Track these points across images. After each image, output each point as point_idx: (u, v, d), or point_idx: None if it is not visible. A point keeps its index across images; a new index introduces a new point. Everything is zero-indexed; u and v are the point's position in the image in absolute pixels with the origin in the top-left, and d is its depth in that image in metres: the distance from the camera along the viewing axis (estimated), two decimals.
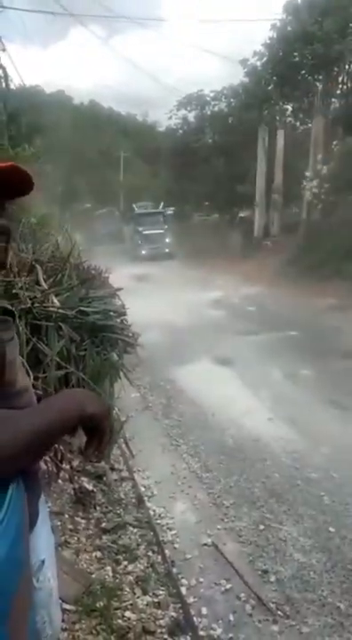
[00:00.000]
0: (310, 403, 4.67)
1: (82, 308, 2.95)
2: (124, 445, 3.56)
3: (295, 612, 2.26)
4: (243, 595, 2.37)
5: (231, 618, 2.24)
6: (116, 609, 2.11)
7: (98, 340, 3.01)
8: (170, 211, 26.91)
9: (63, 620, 1.93)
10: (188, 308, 9.56)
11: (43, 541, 1.20)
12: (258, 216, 18.37)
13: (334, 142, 15.95)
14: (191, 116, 26.53)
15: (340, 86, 20.13)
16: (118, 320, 3.44)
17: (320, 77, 20.08)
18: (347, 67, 19.94)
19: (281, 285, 12.00)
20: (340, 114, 17.30)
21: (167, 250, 23.25)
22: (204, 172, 22.79)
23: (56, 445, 2.46)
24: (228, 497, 3.20)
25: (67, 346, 2.73)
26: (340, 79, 20.18)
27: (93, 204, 29.93)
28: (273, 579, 2.47)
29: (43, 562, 1.19)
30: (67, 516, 2.69)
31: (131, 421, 3.91)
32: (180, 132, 26.66)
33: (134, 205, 27.03)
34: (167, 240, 23.77)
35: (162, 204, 26.65)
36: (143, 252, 22.71)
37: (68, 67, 73.35)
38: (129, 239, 26.45)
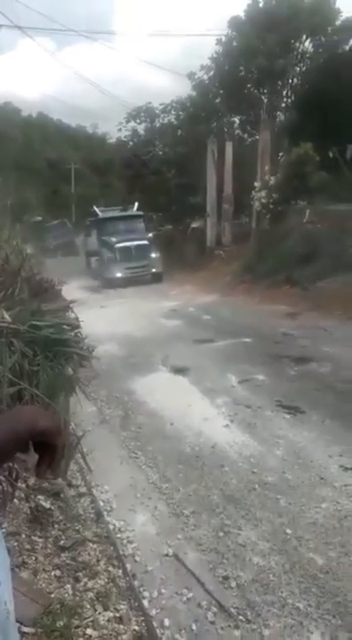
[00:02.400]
0: (264, 407, 4.77)
1: (34, 322, 2.91)
2: (81, 460, 3.50)
3: (256, 616, 2.30)
4: (204, 602, 2.39)
5: (194, 627, 2.25)
6: (77, 627, 2.08)
7: (51, 354, 2.98)
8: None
9: None
10: (144, 319, 9.57)
11: None
12: (209, 226, 18.64)
13: (280, 153, 16.45)
14: (141, 129, 26.71)
15: (285, 99, 20.88)
16: (72, 333, 3.41)
17: (265, 91, 20.76)
18: (290, 81, 20.73)
19: (234, 294, 12.22)
20: (285, 126, 17.91)
21: (154, 270, 16.21)
22: (156, 184, 22.88)
23: (11, 464, 2.41)
24: (188, 506, 3.22)
25: (19, 361, 2.68)
26: (285, 93, 20.94)
27: (45, 216, 29.45)
28: (233, 584, 2.50)
29: None
30: (23, 535, 2.62)
31: (88, 436, 3.85)
32: (131, 143, 26.78)
33: (96, 208, 19.84)
34: (153, 255, 16.31)
35: (136, 204, 19.57)
36: (117, 275, 15.68)
37: (16, 79, 72.33)
38: (87, 253, 20.04)
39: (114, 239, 16.36)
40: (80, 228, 27.32)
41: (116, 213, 19.38)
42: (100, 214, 19.02)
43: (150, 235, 17.89)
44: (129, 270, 15.78)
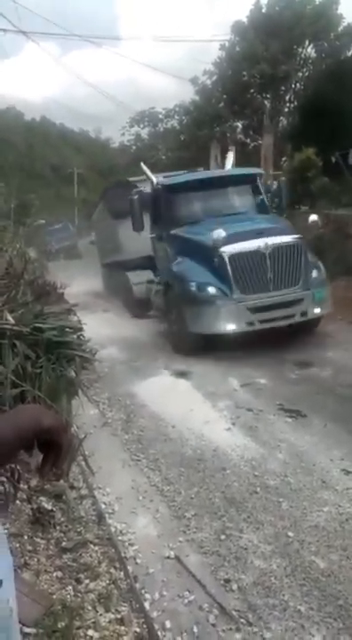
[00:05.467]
0: (266, 411, 4.77)
1: (37, 325, 2.94)
2: (83, 463, 3.51)
3: (257, 619, 2.30)
4: (206, 605, 2.38)
5: (195, 629, 2.25)
6: (78, 628, 2.08)
7: (54, 356, 3.00)
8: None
9: None
10: (144, 323, 9.56)
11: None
12: None
13: (283, 158, 16.51)
14: (144, 133, 26.89)
15: (288, 104, 20.98)
16: (75, 336, 3.43)
17: (268, 96, 20.87)
18: (293, 86, 20.84)
19: None
20: (288, 131, 17.97)
21: (318, 310, 6.82)
22: None
23: (13, 465, 2.42)
24: (190, 508, 3.22)
25: (22, 363, 2.70)
26: (287, 98, 21.05)
27: (48, 219, 29.48)
28: (235, 587, 2.50)
29: (0, 582, 1.17)
30: (25, 537, 2.63)
31: (90, 438, 3.87)
32: (134, 148, 26.92)
33: (147, 170, 8.89)
34: (315, 273, 6.91)
35: (231, 156, 10.05)
36: (230, 327, 6.41)
37: (20, 83, 72.93)
38: (118, 265, 10.98)
39: (215, 235, 6.54)
40: (83, 230, 27.14)
41: (205, 173, 10.09)
42: (163, 179, 8.55)
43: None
44: (260, 315, 6.46)
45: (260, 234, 6.68)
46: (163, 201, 8.04)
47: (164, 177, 9.06)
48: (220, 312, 6.51)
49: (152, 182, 8.53)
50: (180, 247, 7.48)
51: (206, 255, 6.79)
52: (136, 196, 8.31)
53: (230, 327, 6.44)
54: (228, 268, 6.53)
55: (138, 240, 8.74)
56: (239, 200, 8.29)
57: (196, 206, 8.00)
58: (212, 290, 6.61)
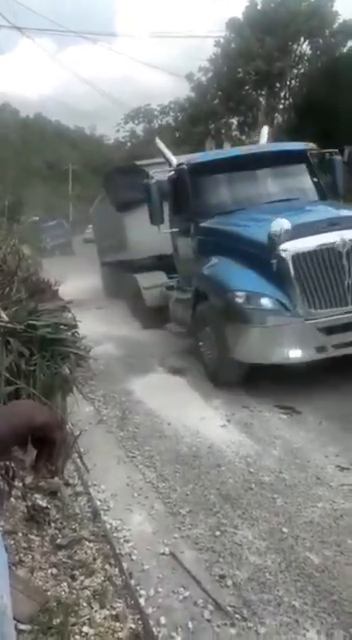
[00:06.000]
0: (261, 408, 4.77)
1: (31, 322, 2.92)
2: (78, 460, 3.50)
3: (252, 614, 2.30)
4: (201, 601, 2.39)
5: (190, 625, 2.25)
6: (74, 625, 2.08)
7: (48, 353, 2.98)
8: None
9: None
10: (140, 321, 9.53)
11: None
12: None
13: None
14: (139, 129, 26.87)
15: (283, 101, 21.01)
16: (69, 333, 3.42)
17: (263, 93, 20.88)
18: (288, 83, 20.85)
19: None
20: (283, 127, 17.99)
21: None
22: None
23: (7, 463, 2.41)
24: (185, 505, 3.22)
25: (16, 360, 2.69)
26: (282, 94, 21.07)
27: (42, 216, 29.40)
28: (230, 583, 2.51)
29: None
30: (20, 534, 2.63)
31: (85, 436, 3.85)
32: (129, 144, 26.89)
33: (164, 148, 7.11)
34: None
35: (266, 130, 8.97)
36: (294, 355, 4.76)
37: (15, 80, 72.63)
38: (124, 265, 9.59)
39: (275, 226, 4.66)
40: (77, 227, 27.01)
41: (243, 149, 8.58)
42: (191, 158, 6.82)
43: None
44: (335, 337, 4.76)
45: (333, 225, 4.91)
46: (189, 186, 6.24)
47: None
48: (279, 334, 4.82)
49: (170, 163, 6.82)
50: (216, 244, 5.72)
51: (256, 254, 5.02)
52: (154, 181, 6.56)
53: (294, 355, 4.76)
54: (292, 272, 4.77)
55: (147, 235, 7.13)
56: (290, 182, 6.49)
57: (234, 191, 6.33)
58: (266, 302, 4.85)
